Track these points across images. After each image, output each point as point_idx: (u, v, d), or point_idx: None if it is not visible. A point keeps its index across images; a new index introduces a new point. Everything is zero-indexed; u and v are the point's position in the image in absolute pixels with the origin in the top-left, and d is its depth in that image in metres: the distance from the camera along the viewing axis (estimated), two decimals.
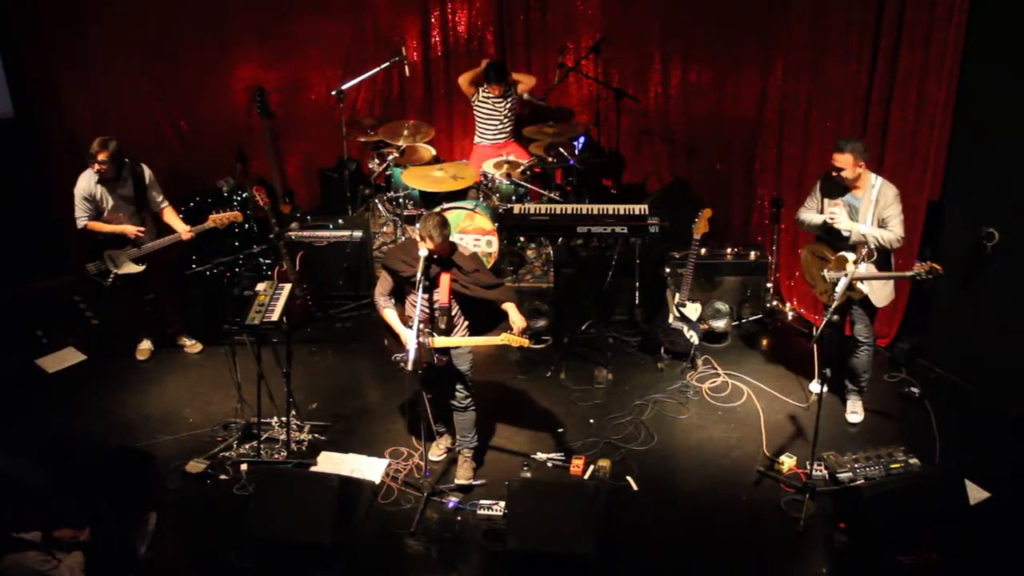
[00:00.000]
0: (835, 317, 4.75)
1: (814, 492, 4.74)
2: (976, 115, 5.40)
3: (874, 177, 4.99)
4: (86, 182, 5.66)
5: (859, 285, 4.96)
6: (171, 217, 5.93)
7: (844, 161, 4.89)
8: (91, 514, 4.59)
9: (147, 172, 5.82)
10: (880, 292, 5.08)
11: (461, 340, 4.74)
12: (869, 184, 4.97)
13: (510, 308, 4.68)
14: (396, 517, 4.78)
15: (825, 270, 5.08)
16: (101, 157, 5.52)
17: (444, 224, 4.52)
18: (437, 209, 6.78)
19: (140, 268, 5.83)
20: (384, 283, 4.77)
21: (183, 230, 5.80)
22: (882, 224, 4.93)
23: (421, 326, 4.54)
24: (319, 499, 4.48)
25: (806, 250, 5.31)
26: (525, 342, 4.59)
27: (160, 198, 5.90)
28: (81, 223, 5.71)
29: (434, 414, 4.96)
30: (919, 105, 5.61)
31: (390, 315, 4.77)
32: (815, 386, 5.61)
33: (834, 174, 4.96)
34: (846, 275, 4.75)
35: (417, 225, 4.74)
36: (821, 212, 5.15)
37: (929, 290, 5.78)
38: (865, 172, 4.95)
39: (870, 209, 4.94)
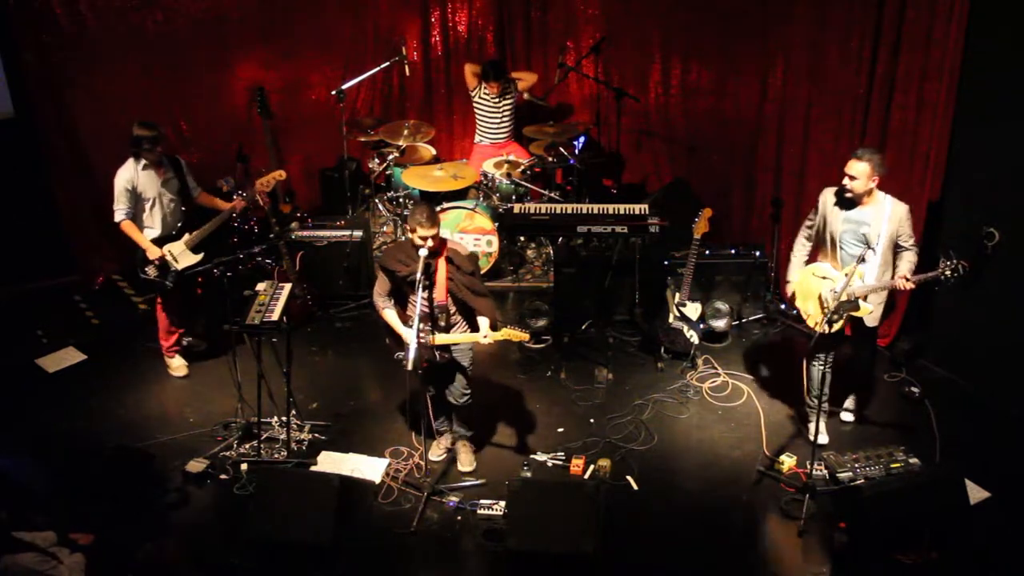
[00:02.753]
0: (836, 327, 4.68)
1: (814, 492, 4.74)
2: (976, 115, 5.40)
3: (881, 194, 4.77)
4: (129, 172, 5.52)
5: (863, 303, 4.79)
6: (209, 199, 5.89)
7: (860, 171, 4.63)
8: (94, 515, 4.60)
9: (183, 161, 5.82)
10: (874, 310, 4.91)
11: (463, 337, 4.75)
12: (877, 200, 4.76)
13: (483, 322, 4.69)
14: (396, 517, 4.78)
15: (828, 290, 4.85)
16: (146, 134, 5.45)
17: (432, 210, 4.52)
18: (437, 208, 6.79)
19: (199, 256, 5.74)
20: (382, 283, 4.76)
21: (233, 203, 5.78)
22: (894, 235, 4.74)
23: (421, 324, 4.54)
24: (319, 499, 4.48)
25: (803, 274, 5.09)
26: (525, 336, 4.64)
27: (194, 184, 5.86)
28: (120, 216, 5.56)
29: (435, 412, 4.97)
30: (919, 105, 5.61)
31: (390, 315, 4.77)
32: (847, 416, 5.49)
33: (845, 183, 4.71)
34: (848, 277, 4.69)
35: (407, 223, 4.72)
36: (823, 230, 4.92)
37: (928, 290, 5.78)
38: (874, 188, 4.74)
39: (883, 227, 4.72)
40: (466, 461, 5.12)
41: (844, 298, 4.63)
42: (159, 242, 5.70)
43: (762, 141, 6.84)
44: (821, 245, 5.01)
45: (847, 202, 4.80)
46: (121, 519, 4.71)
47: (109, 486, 4.82)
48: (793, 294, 5.17)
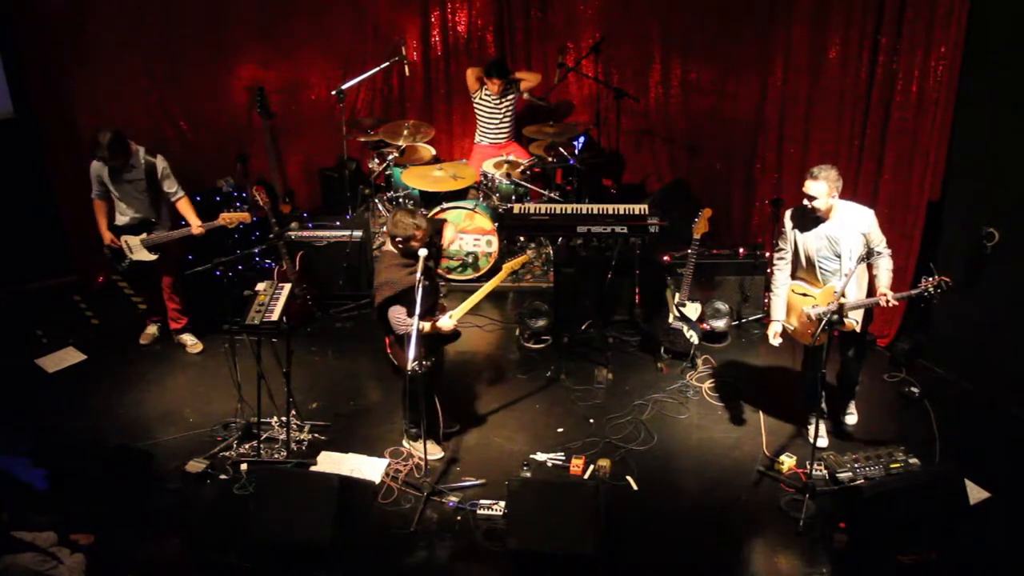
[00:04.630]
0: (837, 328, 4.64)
1: (814, 492, 4.74)
2: (976, 115, 5.40)
3: (842, 203, 4.73)
4: (95, 165, 5.85)
5: (848, 319, 4.75)
6: (186, 209, 6.02)
7: (818, 190, 4.60)
8: (94, 515, 4.60)
9: (160, 163, 5.91)
10: (855, 314, 4.86)
11: (473, 299, 4.90)
12: (840, 210, 4.72)
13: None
14: (396, 517, 4.78)
15: (811, 307, 4.81)
16: (100, 141, 5.65)
17: (411, 211, 4.75)
18: (436, 209, 6.79)
19: (153, 257, 5.96)
20: (403, 309, 4.68)
21: (195, 224, 5.92)
22: (865, 242, 4.69)
23: (437, 313, 4.76)
24: (319, 499, 4.48)
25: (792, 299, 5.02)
26: (525, 257, 5.04)
27: (174, 189, 5.99)
28: (92, 195, 5.96)
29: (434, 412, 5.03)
30: (919, 105, 5.61)
31: (426, 324, 4.69)
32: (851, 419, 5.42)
33: (805, 203, 4.67)
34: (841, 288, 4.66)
35: (392, 229, 4.73)
36: (797, 251, 4.85)
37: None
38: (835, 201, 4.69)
39: (856, 237, 4.68)
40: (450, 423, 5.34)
41: (832, 315, 4.55)
42: (124, 229, 5.94)
43: (762, 141, 6.84)
44: (797, 265, 4.95)
45: (814, 220, 4.76)
46: (121, 519, 4.71)
47: (109, 486, 4.82)
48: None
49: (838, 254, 4.75)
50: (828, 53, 6.10)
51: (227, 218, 5.87)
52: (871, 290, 4.88)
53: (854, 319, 4.84)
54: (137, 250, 5.94)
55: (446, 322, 4.83)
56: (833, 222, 4.74)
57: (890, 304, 4.65)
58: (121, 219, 5.95)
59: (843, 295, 4.66)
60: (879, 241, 4.78)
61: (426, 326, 4.71)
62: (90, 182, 5.91)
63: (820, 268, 4.84)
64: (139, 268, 6.03)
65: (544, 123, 7.46)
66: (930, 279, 4.51)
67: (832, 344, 4.75)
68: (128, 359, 6.24)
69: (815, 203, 4.66)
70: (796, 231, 4.87)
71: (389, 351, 5.01)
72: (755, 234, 7.03)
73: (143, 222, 5.94)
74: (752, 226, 7.10)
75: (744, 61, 6.90)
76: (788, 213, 4.94)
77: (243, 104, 7.64)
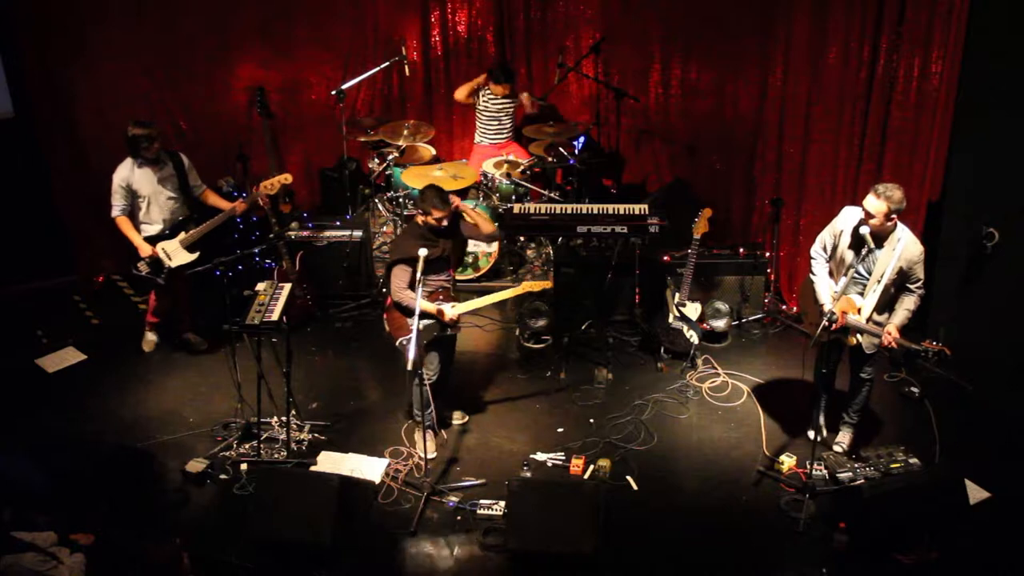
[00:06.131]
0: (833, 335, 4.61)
1: (814, 492, 4.74)
2: (976, 115, 5.41)
3: (900, 229, 4.56)
4: (125, 171, 5.66)
5: (852, 337, 4.72)
6: (213, 198, 5.99)
7: (876, 209, 4.43)
8: (94, 515, 4.60)
9: (185, 159, 5.87)
10: (869, 340, 4.78)
11: (481, 301, 4.95)
12: (895, 236, 4.55)
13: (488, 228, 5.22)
14: (396, 517, 4.78)
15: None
16: (141, 132, 5.55)
17: (443, 191, 4.87)
18: None
19: (194, 256, 5.82)
20: (405, 275, 4.78)
21: (236, 203, 5.85)
22: (902, 276, 4.59)
23: (442, 299, 4.88)
24: (319, 499, 4.48)
25: (808, 281, 4.99)
26: (548, 284, 5.09)
27: (199, 182, 5.95)
28: (115, 212, 5.71)
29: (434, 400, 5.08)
30: (919, 105, 5.62)
31: (425, 304, 4.82)
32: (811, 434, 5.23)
33: (863, 219, 4.52)
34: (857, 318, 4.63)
35: (421, 201, 4.89)
36: (838, 246, 4.71)
37: (929, 291, 5.76)
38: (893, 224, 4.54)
39: (890, 263, 4.53)
40: (457, 416, 5.46)
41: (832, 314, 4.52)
42: (156, 239, 5.77)
43: (762, 141, 6.83)
44: (831, 258, 4.84)
45: (862, 239, 4.57)
46: (121, 519, 4.71)
47: (109, 486, 4.82)
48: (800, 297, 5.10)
49: (870, 271, 4.62)
50: (828, 53, 6.09)
51: (267, 185, 5.80)
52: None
53: (855, 340, 4.75)
54: (176, 255, 5.79)
55: (449, 310, 4.88)
56: (886, 245, 4.56)
57: (891, 345, 4.59)
58: (151, 230, 5.78)
59: (858, 311, 4.64)
60: (916, 279, 4.64)
61: (429, 305, 4.79)
62: (109, 197, 5.67)
63: (849, 274, 4.68)
64: (174, 274, 5.84)
65: (544, 123, 7.46)
66: (934, 343, 4.54)
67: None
68: (128, 359, 6.23)
69: (870, 221, 4.50)
70: (845, 231, 4.70)
71: (386, 316, 5.06)
72: (755, 234, 7.02)
73: (176, 225, 5.83)
74: (752, 226, 7.09)
75: (744, 61, 6.89)
76: (846, 208, 4.75)
77: (243, 104, 7.64)
